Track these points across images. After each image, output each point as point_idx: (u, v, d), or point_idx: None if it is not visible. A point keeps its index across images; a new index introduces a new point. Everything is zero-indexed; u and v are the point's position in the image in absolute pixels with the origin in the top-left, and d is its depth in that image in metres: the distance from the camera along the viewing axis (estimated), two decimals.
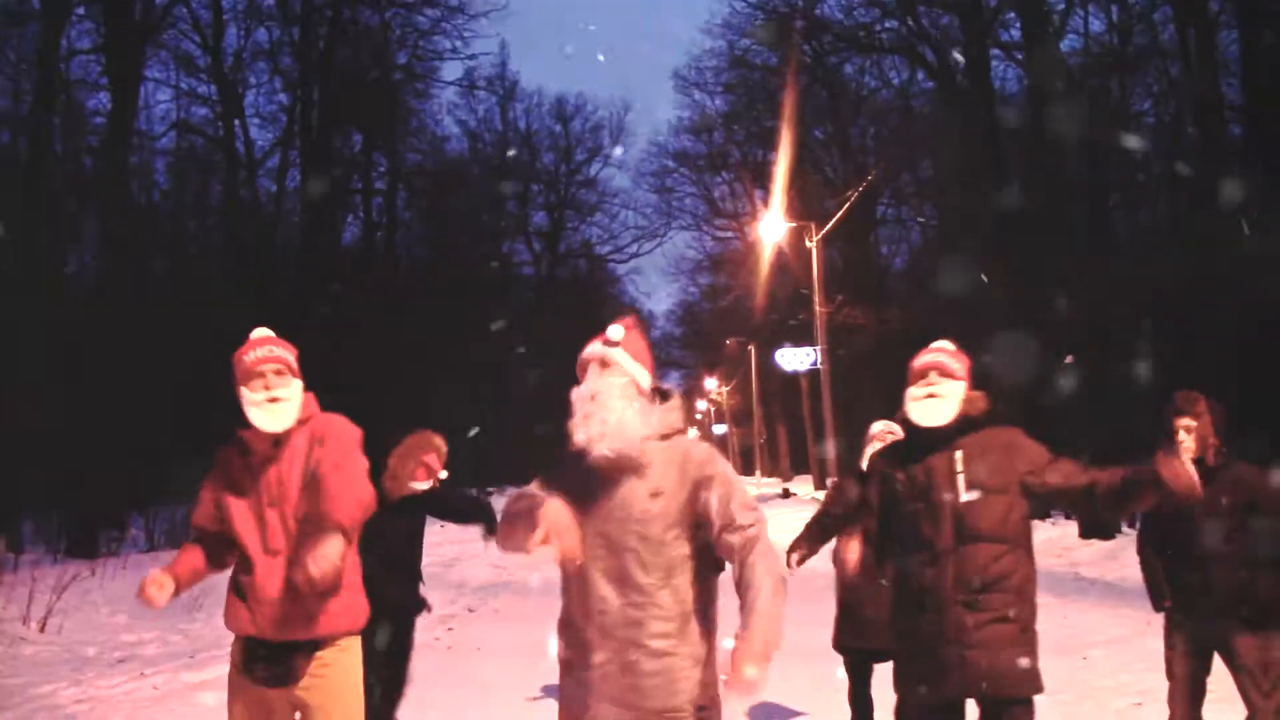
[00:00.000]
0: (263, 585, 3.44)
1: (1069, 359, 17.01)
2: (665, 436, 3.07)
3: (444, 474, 5.28)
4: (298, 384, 3.54)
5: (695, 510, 2.99)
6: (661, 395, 3.15)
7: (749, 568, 2.89)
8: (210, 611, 10.87)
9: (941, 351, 3.68)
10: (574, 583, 3.06)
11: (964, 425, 3.57)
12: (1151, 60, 24.68)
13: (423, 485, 5.18)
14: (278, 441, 3.49)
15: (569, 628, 3.09)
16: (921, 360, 3.65)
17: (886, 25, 30.52)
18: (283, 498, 3.47)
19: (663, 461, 3.03)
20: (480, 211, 40.47)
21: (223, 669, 7.86)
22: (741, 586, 2.89)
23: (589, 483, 3.04)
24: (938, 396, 3.57)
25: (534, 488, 3.14)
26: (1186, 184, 21.82)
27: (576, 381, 3.14)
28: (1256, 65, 18.63)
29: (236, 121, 27.18)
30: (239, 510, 3.51)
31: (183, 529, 18.19)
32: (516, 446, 38.66)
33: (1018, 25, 24.74)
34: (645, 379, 3.11)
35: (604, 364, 3.11)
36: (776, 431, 48.91)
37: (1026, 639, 3.49)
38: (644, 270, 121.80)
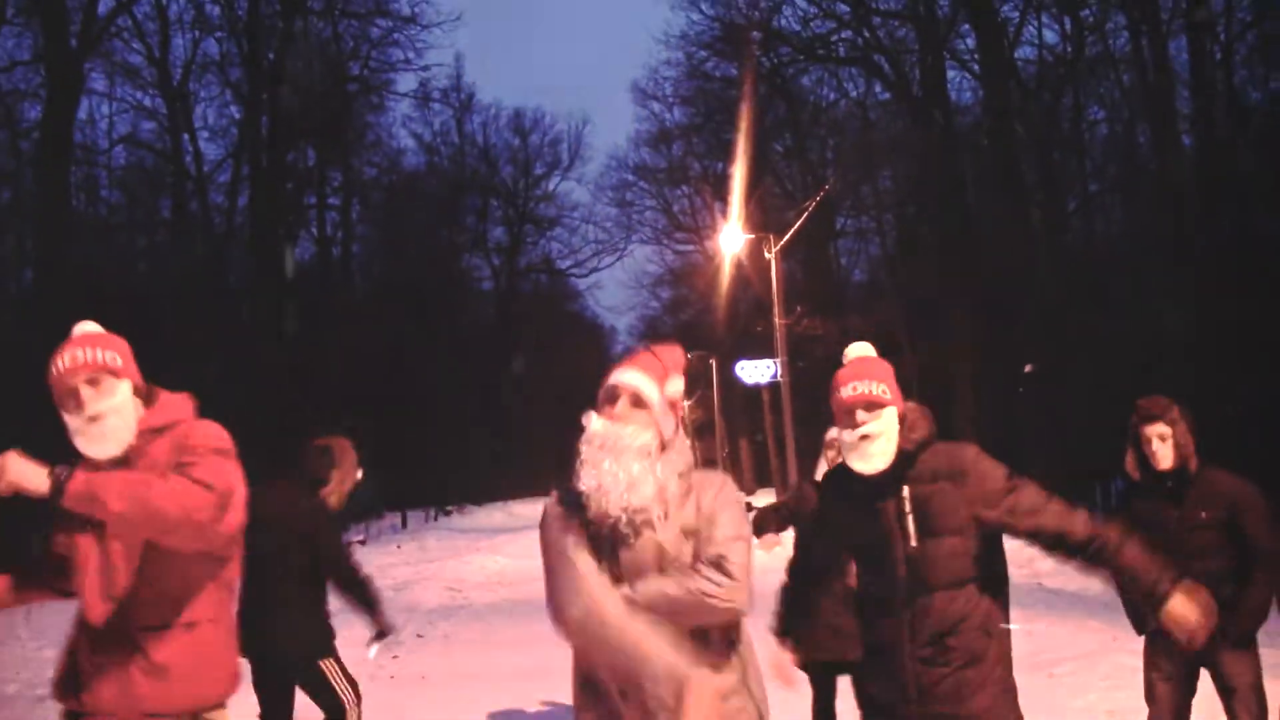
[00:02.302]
0: (99, 642, 2.73)
1: (1028, 368, 16.92)
2: (680, 475, 2.68)
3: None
4: (124, 385, 2.81)
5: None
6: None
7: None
8: None
9: (860, 379, 3.09)
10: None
11: (906, 461, 3.05)
12: (1105, 69, 24.77)
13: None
14: (126, 459, 2.78)
15: (591, 691, 2.70)
16: (842, 396, 3.08)
17: (843, 36, 30.54)
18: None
19: (678, 499, 2.66)
20: (438, 226, 40.04)
21: None
22: None
23: (599, 535, 2.65)
24: (871, 437, 3.02)
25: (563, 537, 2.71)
26: (1141, 191, 21.87)
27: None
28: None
29: (185, 135, 26.65)
30: (82, 541, 2.77)
31: None
32: (482, 464, 38.28)
33: (972, 36, 24.79)
34: (670, 428, 2.71)
35: (637, 402, 2.67)
36: (739, 445, 48.66)
37: (998, 675, 3.06)
38: (605, 284, 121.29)
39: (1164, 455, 4.25)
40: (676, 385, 2.73)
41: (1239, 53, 22.02)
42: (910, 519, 3.01)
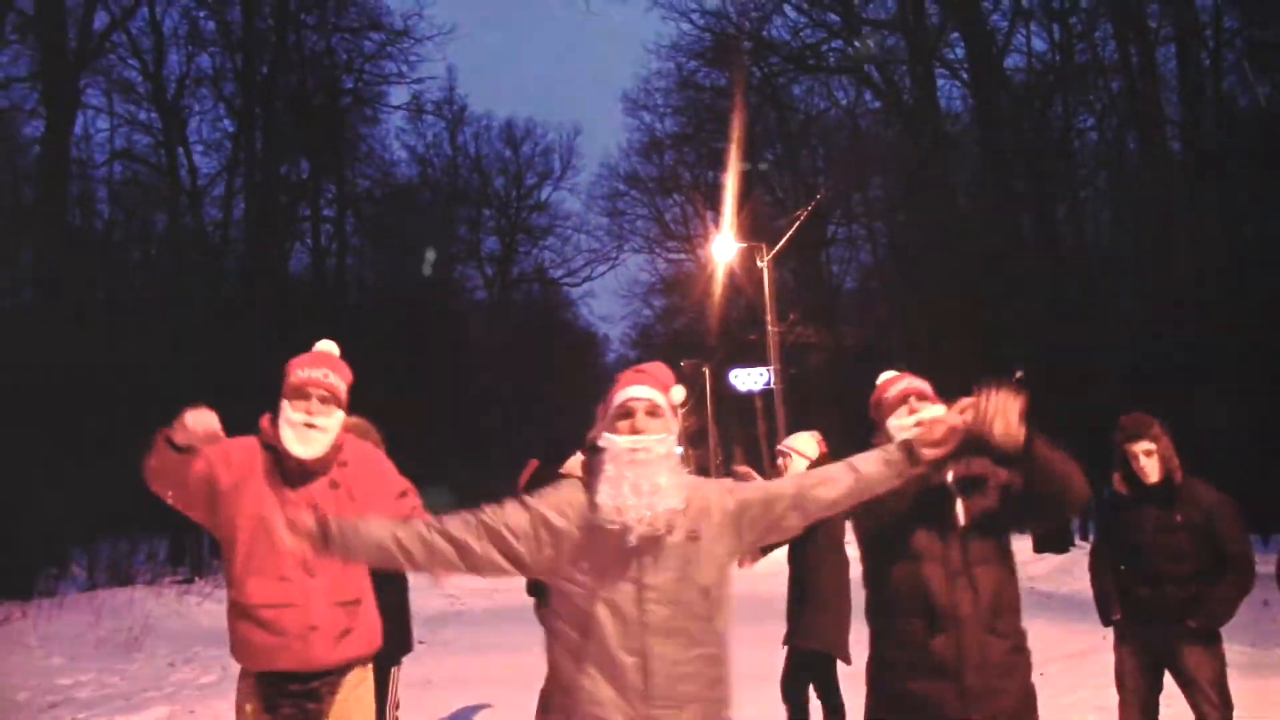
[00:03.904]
0: (305, 610, 3.35)
1: (1019, 374, 17.09)
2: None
3: None
4: (339, 415, 3.49)
5: (739, 530, 2.79)
6: None
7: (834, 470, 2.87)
8: (150, 652, 10.55)
9: (908, 376, 3.46)
10: (589, 640, 2.72)
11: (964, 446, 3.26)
12: (1094, 77, 25.01)
13: None
14: (314, 466, 3.44)
15: (572, 692, 2.74)
16: (895, 389, 3.40)
17: (833, 45, 30.78)
18: None
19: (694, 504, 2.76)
20: (431, 237, 40.13)
21: (160, 710, 7.56)
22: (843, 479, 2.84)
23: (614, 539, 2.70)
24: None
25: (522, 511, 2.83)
26: (1131, 198, 22.10)
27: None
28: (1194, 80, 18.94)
29: (180, 149, 26.75)
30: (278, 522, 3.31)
31: (128, 564, 17.68)
32: (476, 472, 38.35)
33: (962, 44, 25.05)
34: (678, 435, 2.83)
35: (653, 412, 2.76)
36: (733, 452, 48.84)
37: (1029, 664, 3.35)
38: (598, 293, 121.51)
39: (1151, 469, 4.51)
40: (678, 393, 2.86)
41: (1227, 59, 22.28)
42: (960, 501, 3.28)
